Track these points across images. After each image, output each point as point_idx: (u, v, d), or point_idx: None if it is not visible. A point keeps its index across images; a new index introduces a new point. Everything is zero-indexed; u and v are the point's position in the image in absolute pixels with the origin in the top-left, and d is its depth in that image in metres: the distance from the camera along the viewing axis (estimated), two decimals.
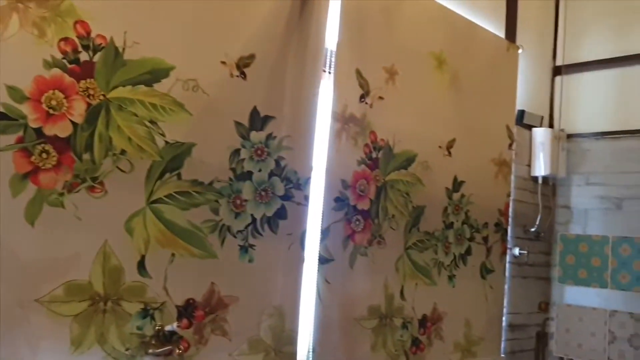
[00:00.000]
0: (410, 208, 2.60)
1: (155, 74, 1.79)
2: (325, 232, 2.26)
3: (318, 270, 2.24)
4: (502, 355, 3.13)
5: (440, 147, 2.75)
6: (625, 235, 3.08)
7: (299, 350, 2.18)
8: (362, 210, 2.39)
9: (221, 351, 1.94)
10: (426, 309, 2.67)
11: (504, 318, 3.15)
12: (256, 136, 2.04)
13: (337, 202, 2.30)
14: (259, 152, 2.04)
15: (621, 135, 3.28)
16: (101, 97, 1.68)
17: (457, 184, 2.83)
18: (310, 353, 2.21)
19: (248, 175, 2.01)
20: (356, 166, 2.37)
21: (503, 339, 3.15)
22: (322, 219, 2.26)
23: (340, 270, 2.31)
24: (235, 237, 1.98)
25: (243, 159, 2.00)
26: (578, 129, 3.46)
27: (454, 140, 2.81)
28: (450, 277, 2.80)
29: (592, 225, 3.31)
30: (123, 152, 1.72)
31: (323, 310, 2.24)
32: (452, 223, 2.81)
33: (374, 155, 2.44)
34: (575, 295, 3.26)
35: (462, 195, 2.86)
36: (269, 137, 2.07)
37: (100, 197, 1.69)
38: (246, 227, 2.01)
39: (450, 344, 2.78)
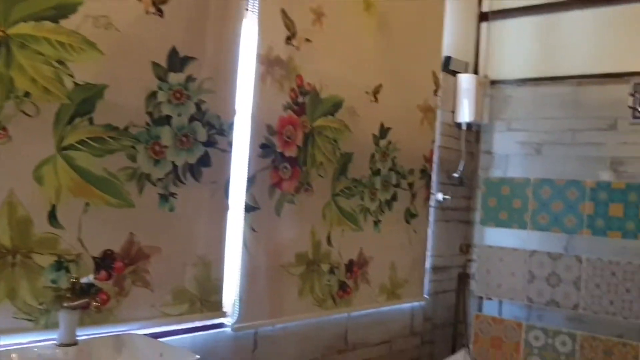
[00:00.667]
0: (338, 155, 2.58)
1: (60, 9, 1.64)
2: (251, 180, 2.20)
3: (244, 219, 2.20)
4: (426, 296, 3.23)
5: (367, 92, 2.72)
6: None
7: (225, 299, 2.15)
8: (290, 157, 2.34)
9: (143, 303, 1.89)
10: (352, 254, 2.70)
11: (427, 261, 3.24)
12: (175, 78, 1.93)
13: (263, 148, 2.24)
14: (177, 95, 1.94)
15: (542, 82, 3.36)
16: (0, 34, 1.53)
17: (383, 131, 2.82)
18: (237, 301, 2.19)
19: (166, 120, 1.91)
20: (282, 111, 2.31)
21: (426, 280, 3.24)
22: (248, 166, 2.20)
23: (267, 218, 2.28)
24: (155, 185, 1.89)
25: (160, 103, 1.89)
26: (502, 75, 3.51)
27: (380, 85, 2.78)
28: (376, 223, 2.82)
29: (513, 171, 3.41)
30: (27, 94, 1.59)
31: (249, 259, 2.21)
32: (379, 170, 2.82)
33: (300, 100, 2.38)
34: (495, 237, 3.38)
35: (389, 142, 2.86)
36: (189, 79, 1.97)
37: (4, 143, 1.56)
38: (167, 175, 1.93)
39: (376, 286, 2.84)
